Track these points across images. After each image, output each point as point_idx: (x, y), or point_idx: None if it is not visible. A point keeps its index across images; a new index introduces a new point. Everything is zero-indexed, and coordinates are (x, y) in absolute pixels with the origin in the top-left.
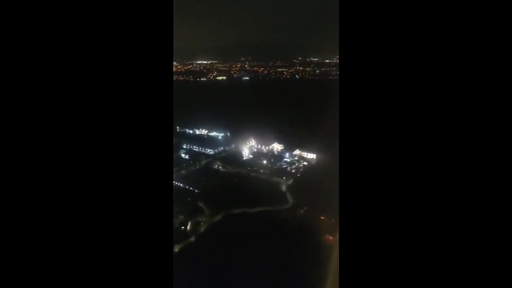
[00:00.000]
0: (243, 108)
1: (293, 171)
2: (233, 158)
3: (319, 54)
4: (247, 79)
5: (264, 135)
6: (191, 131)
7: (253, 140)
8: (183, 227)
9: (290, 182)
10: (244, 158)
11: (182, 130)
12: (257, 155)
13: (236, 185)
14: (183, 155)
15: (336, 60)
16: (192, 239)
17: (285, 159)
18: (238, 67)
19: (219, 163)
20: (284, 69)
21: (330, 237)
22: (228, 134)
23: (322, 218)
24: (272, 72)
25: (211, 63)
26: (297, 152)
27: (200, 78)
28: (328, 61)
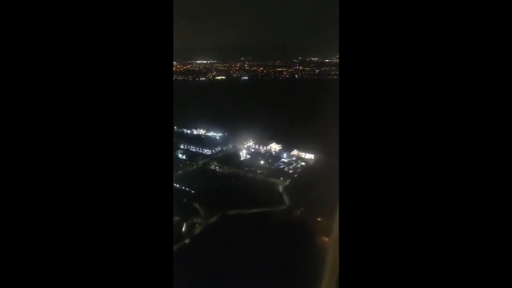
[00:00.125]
0: (242, 108)
1: (290, 171)
2: (231, 159)
3: (319, 54)
4: (246, 79)
5: (262, 135)
6: (188, 131)
7: (251, 140)
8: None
9: (287, 182)
10: (242, 158)
11: (179, 130)
12: (255, 155)
13: (232, 186)
14: (180, 155)
15: (335, 59)
16: (187, 241)
17: (283, 160)
18: (237, 67)
19: (216, 164)
20: (284, 69)
21: (326, 239)
22: (226, 134)
23: (319, 219)
24: (272, 71)
25: (210, 62)
26: (295, 152)
27: (199, 78)
28: (328, 60)
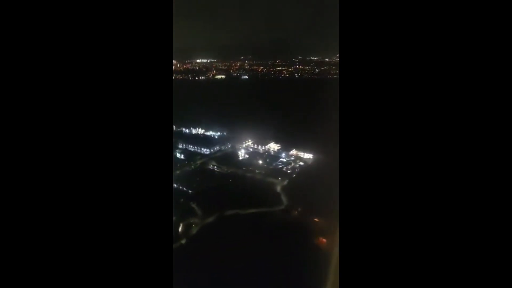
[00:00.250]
0: (241, 107)
1: (289, 171)
2: (229, 158)
3: (319, 53)
4: (246, 78)
5: (261, 134)
6: (187, 130)
7: (249, 140)
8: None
9: (285, 182)
10: (240, 158)
11: (178, 129)
12: (253, 155)
13: (230, 186)
14: (178, 155)
15: (335, 59)
16: (183, 241)
17: (281, 159)
18: (237, 66)
19: (214, 163)
20: (284, 68)
21: (323, 239)
22: (225, 133)
23: (316, 220)
24: (272, 71)
25: (210, 61)
26: (293, 152)
27: (198, 77)
28: (328, 60)
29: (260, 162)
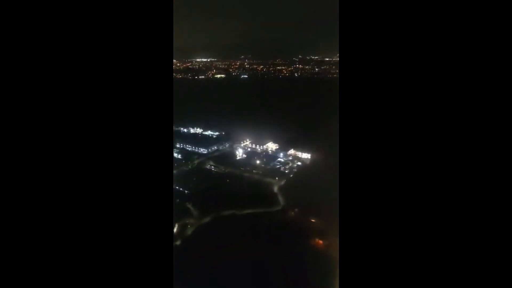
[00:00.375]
0: (240, 107)
1: (286, 171)
2: (227, 158)
3: (319, 53)
4: (245, 77)
5: (260, 134)
6: (185, 130)
7: (247, 140)
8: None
9: (282, 182)
10: (238, 158)
11: (176, 128)
12: (251, 154)
13: (227, 186)
14: (175, 155)
15: (335, 58)
16: (178, 242)
17: (279, 159)
18: (237, 65)
19: (211, 163)
20: (283, 67)
21: (320, 241)
22: (223, 133)
23: (313, 220)
24: (271, 70)
25: (210, 60)
26: (291, 151)
27: (198, 76)
28: (328, 59)
29: (258, 162)
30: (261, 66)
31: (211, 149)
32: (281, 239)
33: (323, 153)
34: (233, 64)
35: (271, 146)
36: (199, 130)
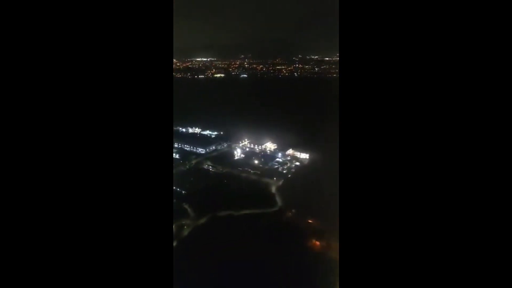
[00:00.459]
0: (238, 106)
1: (284, 171)
2: (225, 158)
3: (318, 52)
4: (245, 77)
5: (258, 134)
6: (183, 130)
7: (246, 139)
8: None
9: (280, 183)
10: (236, 158)
11: (174, 128)
12: (249, 154)
13: (225, 186)
14: (173, 155)
15: (335, 58)
16: (174, 243)
17: (277, 159)
18: (237, 64)
19: (209, 163)
20: (283, 67)
21: (317, 242)
22: (221, 132)
23: (310, 221)
24: (271, 69)
25: (210, 60)
26: (290, 151)
27: (198, 76)
28: (327, 59)
29: (256, 162)
30: (261, 66)
31: (209, 149)
32: (277, 240)
33: (321, 153)
34: (232, 63)
35: (270, 146)
36: (197, 130)
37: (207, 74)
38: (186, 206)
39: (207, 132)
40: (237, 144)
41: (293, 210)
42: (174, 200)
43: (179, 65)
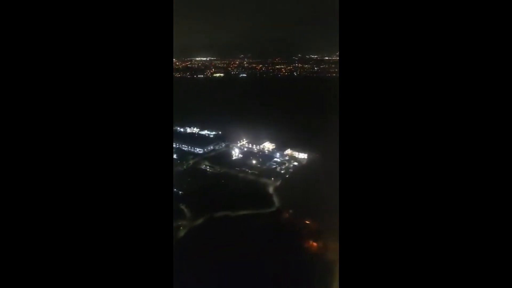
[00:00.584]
0: (237, 106)
1: (282, 171)
2: (222, 158)
3: (318, 52)
4: (244, 76)
5: (257, 133)
6: (181, 129)
7: (244, 139)
8: None
9: (278, 183)
10: (234, 158)
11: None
12: (247, 154)
13: (222, 187)
14: None
15: (335, 57)
16: None
17: (275, 159)
18: (236, 64)
19: (207, 163)
20: (282, 66)
21: (314, 243)
22: (220, 132)
23: (307, 222)
24: (270, 69)
25: (209, 59)
26: (288, 151)
27: (197, 75)
28: (327, 58)
29: (254, 162)
30: (260, 65)
31: (207, 149)
32: (274, 241)
33: (320, 153)
34: (232, 63)
35: (268, 145)
36: (195, 130)
37: (206, 74)
38: (182, 207)
39: (205, 132)
40: (235, 144)
41: (291, 211)
42: None
43: (178, 65)
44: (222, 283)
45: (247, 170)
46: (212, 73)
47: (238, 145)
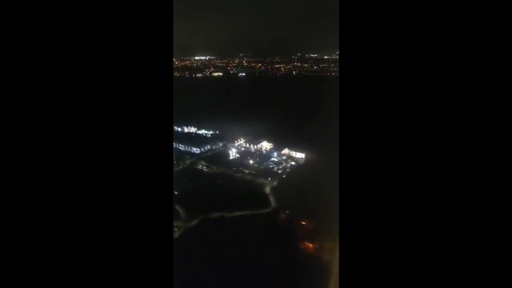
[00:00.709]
0: (235, 106)
1: (279, 171)
2: (219, 158)
3: (317, 51)
4: (243, 76)
5: (254, 133)
6: (179, 129)
7: (242, 139)
8: None
9: (275, 183)
10: (231, 158)
11: None
12: (245, 154)
13: (218, 187)
14: None
15: (334, 56)
16: None
17: (273, 159)
18: (235, 63)
19: (203, 163)
20: (282, 65)
21: (310, 244)
22: (217, 132)
23: (303, 223)
24: (269, 68)
25: (209, 59)
26: (285, 151)
27: (196, 74)
28: (326, 57)
29: (251, 161)
30: (259, 64)
31: (204, 148)
32: (269, 242)
33: (318, 152)
34: (231, 62)
35: (265, 145)
36: (193, 129)
37: (205, 73)
38: (177, 208)
39: (202, 132)
40: (232, 144)
41: (287, 211)
42: None
43: (177, 64)
44: (216, 285)
45: (244, 170)
46: (211, 72)
47: (236, 144)
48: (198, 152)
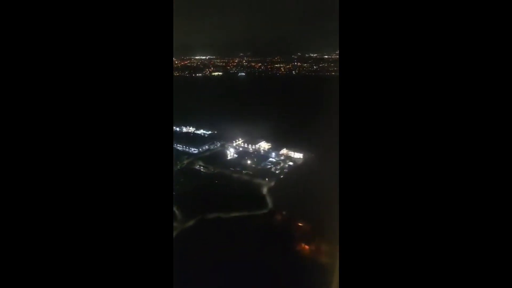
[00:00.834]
0: (234, 106)
1: (277, 171)
2: (217, 158)
3: (317, 50)
4: (243, 75)
5: (253, 133)
6: (177, 129)
7: (240, 139)
8: None
9: (272, 184)
10: (228, 158)
11: None
12: (243, 154)
13: (215, 187)
14: None
15: (334, 56)
16: None
17: (271, 159)
18: (235, 63)
19: (201, 163)
20: (282, 65)
21: (306, 246)
22: (216, 132)
23: (300, 224)
24: (269, 68)
25: (209, 58)
26: (284, 151)
27: (196, 74)
28: (326, 57)
29: (249, 162)
30: (259, 64)
31: (202, 148)
32: (266, 243)
33: (316, 152)
34: (231, 62)
35: (264, 145)
36: (191, 129)
37: (205, 73)
38: (174, 208)
39: (201, 131)
40: (230, 144)
41: (284, 212)
42: None
43: (177, 63)
44: (213, 286)
45: (241, 170)
46: (211, 72)
47: (234, 144)
48: (196, 152)
